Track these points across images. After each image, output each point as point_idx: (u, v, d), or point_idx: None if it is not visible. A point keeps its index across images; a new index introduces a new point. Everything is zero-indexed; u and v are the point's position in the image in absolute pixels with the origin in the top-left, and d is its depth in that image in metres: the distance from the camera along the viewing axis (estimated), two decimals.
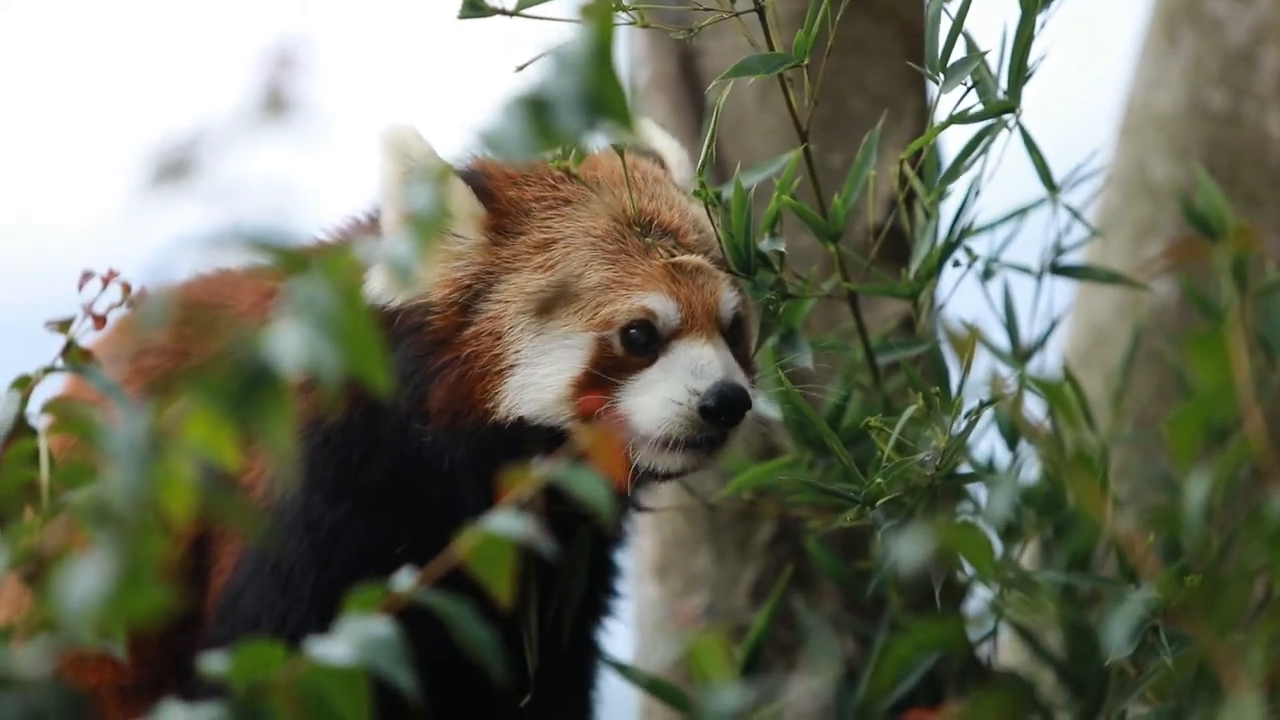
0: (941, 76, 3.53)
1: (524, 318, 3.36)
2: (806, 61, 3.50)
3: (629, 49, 4.38)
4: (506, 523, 2.29)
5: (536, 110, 1.98)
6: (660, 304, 3.38)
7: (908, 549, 2.38)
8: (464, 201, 3.39)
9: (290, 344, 2.12)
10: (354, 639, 2.30)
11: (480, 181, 3.42)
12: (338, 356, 2.11)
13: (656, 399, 3.34)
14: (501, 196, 3.42)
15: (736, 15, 3.53)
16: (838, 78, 4.25)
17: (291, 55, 2.22)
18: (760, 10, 3.54)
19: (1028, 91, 3.58)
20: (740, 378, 3.38)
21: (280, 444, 2.21)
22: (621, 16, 3.50)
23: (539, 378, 3.35)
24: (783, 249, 3.52)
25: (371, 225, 3.52)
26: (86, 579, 2.26)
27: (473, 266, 3.38)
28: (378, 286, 3.37)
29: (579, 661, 3.65)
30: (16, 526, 2.66)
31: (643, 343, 3.36)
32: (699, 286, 3.41)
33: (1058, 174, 3.82)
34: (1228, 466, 2.44)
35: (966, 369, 3.47)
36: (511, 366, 3.35)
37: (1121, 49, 5.07)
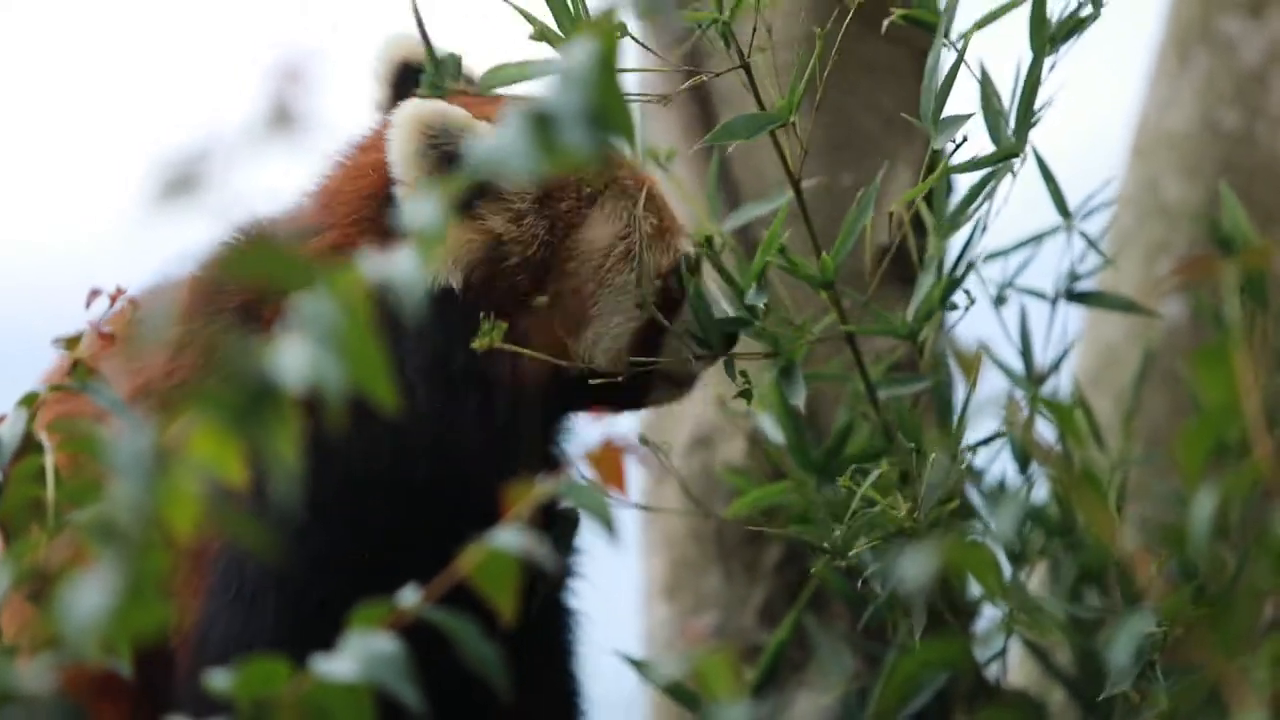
0: (934, 130, 3.53)
1: (597, 272, 3.40)
2: (793, 120, 3.51)
3: (638, 68, 4.38)
4: (510, 538, 2.29)
5: (541, 126, 1.98)
6: (690, 245, 3.50)
7: (912, 568, 2.37)
8: None
9: (295, 359, 2.12)
10: (359, 655, 2.29)
11: None
12: (343, 372, 2.11)
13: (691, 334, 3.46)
14: None
15: (744, 66, 3.53)
16: (849, 97, 4.25)
17: (299, 69, 2.22)
18: (747, 67, 3.54)
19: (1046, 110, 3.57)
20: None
21: (284, 459, 2.21)
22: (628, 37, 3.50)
23: (615, 327, 3.41)
24: (764, 304, 3.54)
25: (325, 202, 3.47)
26: (91, 595, 2.26)
27: (541, 222, 3.39)
28: (435, 265, 3.34)
29: (554, 630, 3.62)
30: (21, 543, 2.66)
31: (685, 282, 3.47)
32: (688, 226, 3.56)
33: (1071, 196, 3.82)
34: (1237, 485, 2.43)
35: (972, 388, 3.47)
36: (589, 320, 3.39)
37: (1133, 69, 5.07)
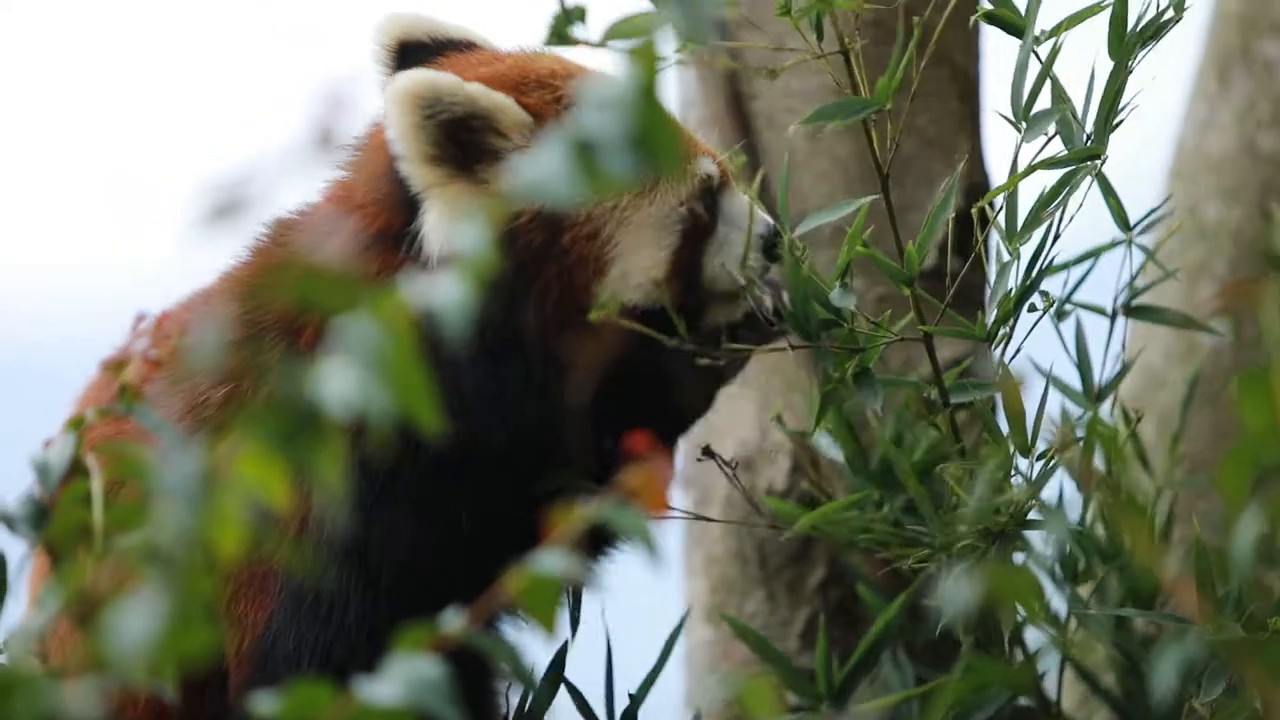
0: (1024, 124, 3.51)
1: (612, 211, 3.38)
2: (890, 106, 3.49)
3: (680, 90, 4.39)
4: (553, 562, 2.30)
5: (583, 152, 1.99)
6: (710, 166, 3.47)
7: (956, 593, 2.37)
8: (512, 113, 3.36)
9: (340, 385, 2.13)
10: (403, 678, 2.30)
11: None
12: (389, 398, 2.12)
13: (734, 255, 3.44)
14: (531, 103, 3.39)
15: (822, 56, 3.52)
16: (889, 119, 4.25)
17: (342, 94, 2.23)
18: (846, 53, 3.53)
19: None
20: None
21: (330, 483, 2.22)
22: (673, 56, 3.49)
23: (643, 260, 3.39)
24: (853, 303, 3.51)
25: (338, 206, 3.46)
26: (138, 619, 2.27)
27: None
28: (447, 233, 3.34)
29: None
30: (69, 567, 2.67)
31: (709, 205, 3.44)
32: (706, 141, 3.53)
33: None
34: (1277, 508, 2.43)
35: (1013, 416, 3.44)
36: (612, 260, 3.37)
37: (1172, 91, 5.06)
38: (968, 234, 4.14)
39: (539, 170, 2.03)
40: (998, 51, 4.30)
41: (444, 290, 2.02)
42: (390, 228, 3.38)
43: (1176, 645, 2.51)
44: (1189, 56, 5.06)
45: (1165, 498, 3.73)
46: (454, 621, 2.34)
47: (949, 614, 3.39)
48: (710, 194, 3.47)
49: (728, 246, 3.46)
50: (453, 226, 3.33)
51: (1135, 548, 3.21)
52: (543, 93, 3.43)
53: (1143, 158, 5.09)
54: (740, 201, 3.48)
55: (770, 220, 3.49)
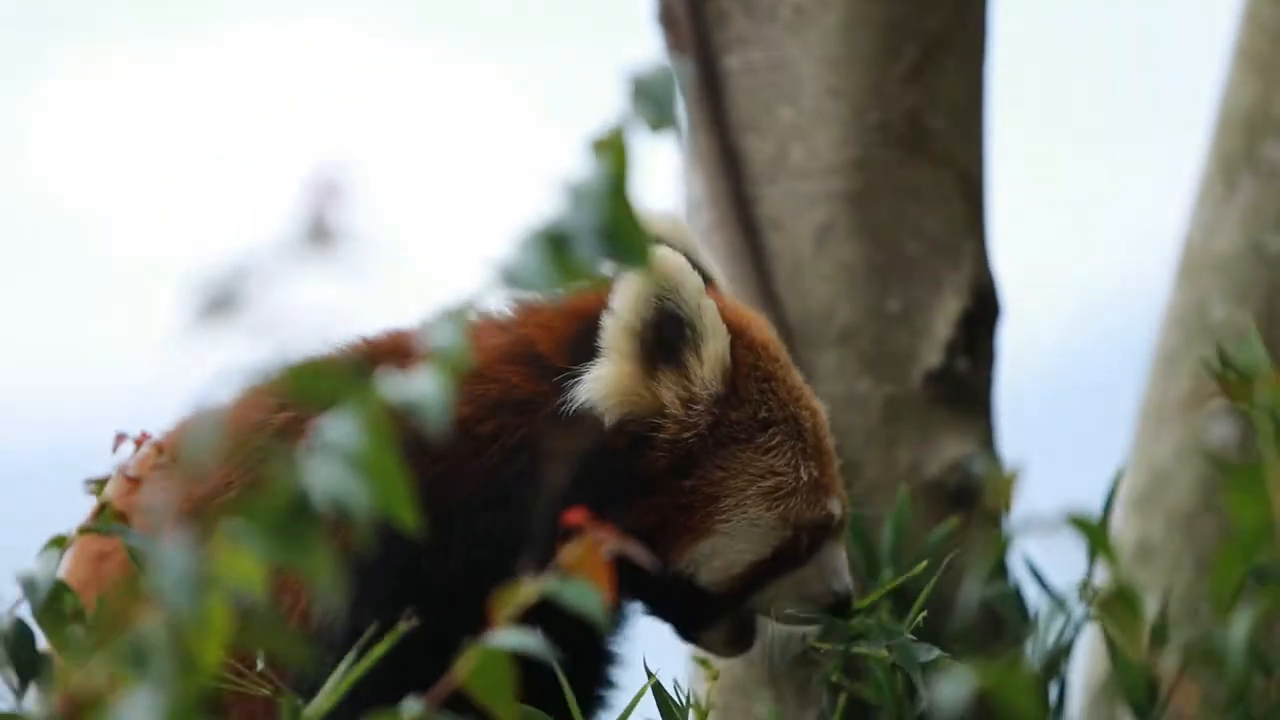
0: None
1: (740, 494, 3.37)
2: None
3: (686, 193, 4.42)
4: (505, 639, 2.29)
5: (554, 244, 2.00)
6: (838, 509, 3.45)
7: (948, 690, 2.36)
8: (721, 349, 3.38)
9: (320, 481, 2.14)
10: None
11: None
12: (366, 494, 2.13)
13: (803, 595, 3.44)
14: (739, 356, 3.42)
15: None
16: (895, 223, 4.27)
17: (336, 183, 2.24)
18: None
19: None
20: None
21: (319, 576, 2.23)
22: (660, 151, 3.51)
23: (732, 552, 3.38)
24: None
25: (396, 346, 3.49)
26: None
27: (708, 417, 3.37)
28: (596, 395, 3.35)
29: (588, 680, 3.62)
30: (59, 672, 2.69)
31: (813, 542, 3.43)
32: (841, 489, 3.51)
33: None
34: (1269, 603, 2.42)
35: (1006, 510, 3.46)
36: (710, 533, 3.37)
37: (1177, 185, 5.08)
38: (973, 334, 4.16)
39: (512, 259, 2.04)
40: (1002, 152, 4.33)
41: (420, 385, 2.03)
42: (555, 359, 3.41)
43: None
44: (1195, 156, 5.09)
45: (1165, 597, 3.73)
46: (413, 709, 2.35)
47: (945, 711, 3.37)
48: (823, 532, 3.45)
49: (803, 586, 3.46)
50: (604, 394, 3.34)
51: (1124, 643, 3.20)
52: (750, 355, 3.43)
53: (1152, 254, 5.11)
54: (837, 557, 3.47)
55: (849, 583, 3.47)
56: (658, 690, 3.44)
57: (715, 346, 3.36)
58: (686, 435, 3.36)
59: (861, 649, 3.62)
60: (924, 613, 3.51)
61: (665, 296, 3.33)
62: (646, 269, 2.05)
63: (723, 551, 3.38)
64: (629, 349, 3.35)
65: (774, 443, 3.40)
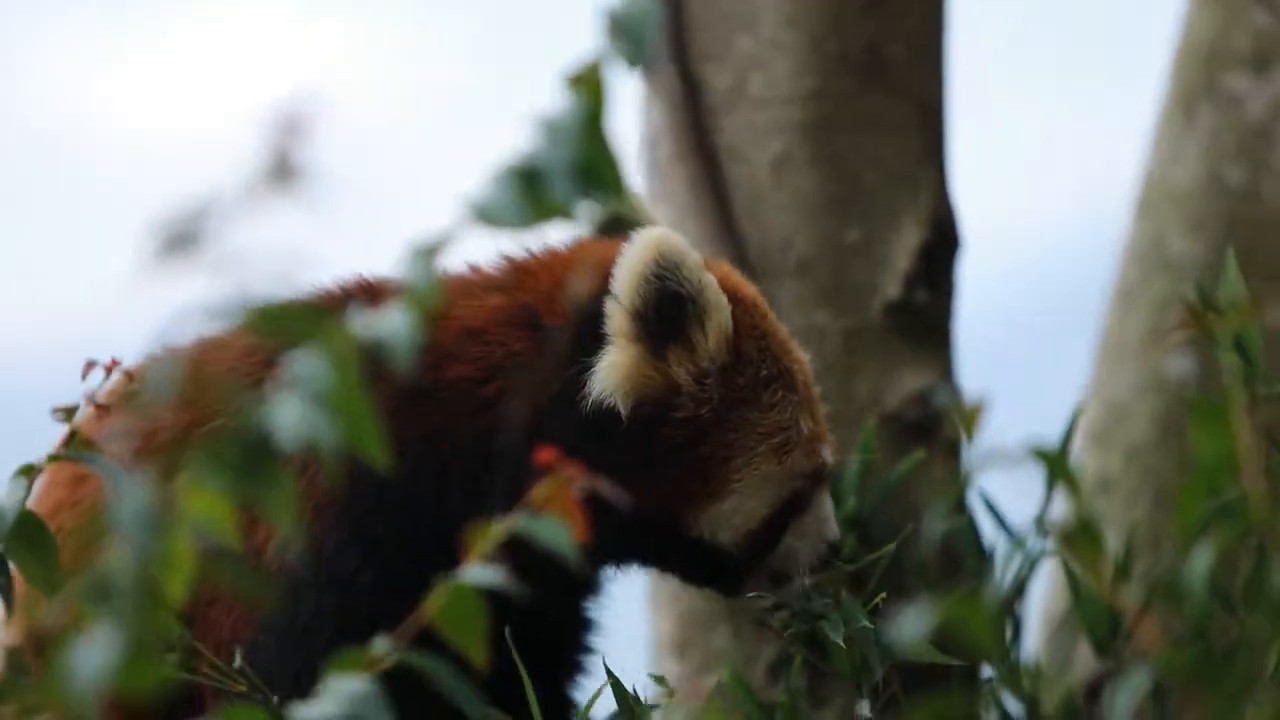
0: None
1: (751, 452, 3.43)
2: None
3: (645, 127, 4.40)
4: (476, 574, 2.29)
5: (528, 181, 1.99)
6: (829, 456, 3.54)
7: (908, 626, 2.37)
8: (724, 320, 3.42)
9: (288, 419, 2.13)
10: (337, 697, 2.32)
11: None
12: (335, 432, 2.12)
13: (809, 545, 3.51)
14: (738, 319, 3.46)
15: None
16: (853, 154, 4.25)
17: (298, 120, 2.22)
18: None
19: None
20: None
21: (282, 517, 2.22)
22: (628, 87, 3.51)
23: (747, 509, 3.43)
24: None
25: (371, 291, 3.50)
26: (91, 656, 2.26)
27: (720, 390, 3.41)
28: (610, 385, 3.38)
29: (567, 644, 3.64)
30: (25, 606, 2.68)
31: (810, 491, 3.50)
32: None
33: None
34: (1230, 537, 2.44)
35: (969, 440, 3.47)
36: (727, 494, 3.42)
37: (1135, 122, 5.09)
38: (933, 266, 4.16)
39: (486, 196, 2.03)
40: (964, 85, 4.32)
41: (390, 321, 2.02)
42: (561, 340, 3.44)
43: (1130, 680, 2.52)
44: (1155, 89, 5.09)
45: (1126, 532, 3.74)
46: (383, 645, 2.35)
47: (904, 645, 3.39)
48: (816, 481, 3.52)
49: (804, 538, 3.52)
50: (617, 383, 3.37)
51: (1086, 577, 3.21)
52: (746, 316, 3.48)
53: (1113, 188, 5.11)
54: (825, 504, 3.54)
55: (836, 531, 3.55)
56: (616, 688, 3.47)
57: (719, 319, 3.41)
58: (702, 410, 3.41)
59: (822, 629, 3.66)
60: (883, 595, 3.55)
61: (666, 276, 3.37)
62: (621, 200, 2.03)
63: (739, 509, 3.44)
64: (635, 332, 3.39)
65: (776, 399, 3.46)
